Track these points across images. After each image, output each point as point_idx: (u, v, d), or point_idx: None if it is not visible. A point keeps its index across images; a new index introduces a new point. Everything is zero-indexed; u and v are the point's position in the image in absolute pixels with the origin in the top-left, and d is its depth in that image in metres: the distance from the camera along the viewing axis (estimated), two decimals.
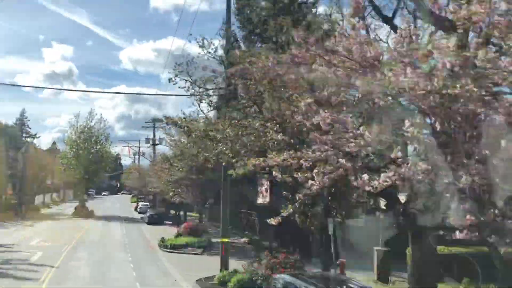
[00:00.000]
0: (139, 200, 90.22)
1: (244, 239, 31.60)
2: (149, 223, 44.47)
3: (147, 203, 64.67)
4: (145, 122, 54.62)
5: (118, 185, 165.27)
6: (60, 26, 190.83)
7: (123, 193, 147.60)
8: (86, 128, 57.92)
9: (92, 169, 58.63)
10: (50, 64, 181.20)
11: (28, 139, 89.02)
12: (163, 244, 27.18)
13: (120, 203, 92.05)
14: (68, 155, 57.90)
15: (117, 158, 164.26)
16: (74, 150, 57.97)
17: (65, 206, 77.18)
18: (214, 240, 30.10)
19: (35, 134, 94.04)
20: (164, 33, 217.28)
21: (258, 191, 23.63)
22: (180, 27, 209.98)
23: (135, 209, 67.14)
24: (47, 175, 64.64)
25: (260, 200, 21.02)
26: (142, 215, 53.04)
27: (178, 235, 29.16)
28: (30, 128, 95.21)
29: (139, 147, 72.00)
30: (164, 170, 30.30)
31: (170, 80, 16.19)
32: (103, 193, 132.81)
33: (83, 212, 54.97)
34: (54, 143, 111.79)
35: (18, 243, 28.08)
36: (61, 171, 60.28)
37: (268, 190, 20.01)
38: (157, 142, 55.26)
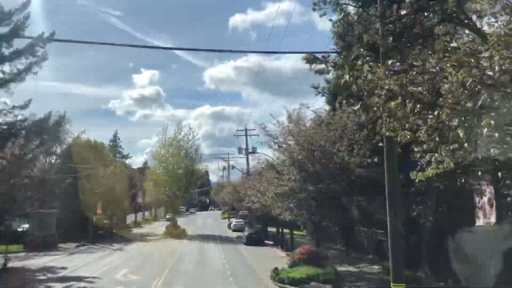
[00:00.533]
0: (231, 216, 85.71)
1: (376, 267, 24.10)
2: (248, 243, 38.40)
3: (241, 220, 59.14)
4: (237, 130, 49.24)
5: (208, 201, 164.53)
6: (147, 52, 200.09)
7: (211, 209, 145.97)
8: (174, 141, 53.99)
9: (182, 185, 54.31)
10: (139, 89, 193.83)
11: (121, 160, 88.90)
12: (278, 277, 20.53)
13: (211, 220, 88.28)
14: (157, 171, 54.33)
15: (205, 173, 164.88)
16: (163, 165, 54.26)
17: (156, 224, 74.68)
18: (340, 269, 22.98)
19: (128, 154, 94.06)
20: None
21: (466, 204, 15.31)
22: (259, 43, 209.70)
23: (228, 226, 61.99)
24: (137, 193, 61.78)
25: (480, 221, 13.15)
26: (239, 234, 47.34)
27: (293, 264, 22.39)
28: (122, 149, 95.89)
29: (228, 159, 67.24)
30: (272, 180, 23.85)
31: (314, 6, 9.67)
32: (190, 210, 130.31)
33: (174, 232, 50.61)
34: (146, 162, 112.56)
35: (101, 275, 23.12)
36: (151, 188, 56.87)
37: (494, 204, 12.14)
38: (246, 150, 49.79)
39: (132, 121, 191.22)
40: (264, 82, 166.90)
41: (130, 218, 76.93)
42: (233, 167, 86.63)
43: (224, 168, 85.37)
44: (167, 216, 73.61)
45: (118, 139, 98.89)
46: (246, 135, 47.71)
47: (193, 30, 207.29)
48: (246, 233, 39.52)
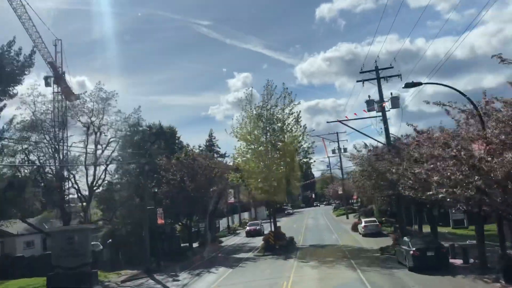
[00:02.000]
0: (348, 211, 66.48)
1: None
2: (419, 267, 19.47)
3: (374, 219, 39.92)
4: (361, 71, 29.30)
5: (313, 195, 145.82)
6: (238, 56, 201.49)
7: (316, 205, 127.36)
8: (265, 110, 36.29)
9: (281, 173, 36.48)
10: (234, 92, 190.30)
11: (219, 159, 76.01)
12: None
13: (323, 219, 69.59)
14: (242, 156, 37.23)
15: (308, 165, 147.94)
16: (252, 147, 37.14)
17: None
18: None
19: (225, 153, 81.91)
20: (333, 40, 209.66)
21: None
22: (348, 31, 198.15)
23: (353, 228, 43.19)
24: (225, 191, 45.63)
25: None
26: (380, 242, 28.29)
27: None
28: (219, 148, 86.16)
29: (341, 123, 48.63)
30: None
31: None
32: (287, 210, 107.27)
33: (276, 243, 33.19)
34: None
35: None
36: (237, 181, 39.84)
37: None
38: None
39: (229, 124, 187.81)
40: (357, 69, 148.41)
41: (224, 223, 61.87)
42: (344, 149, 67.72)
43: (333, 152, 66.62)
44: (248, 224, 54.96)
45: (214, 138, 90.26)
46: (378, 78, 28.22)
47: (281, 27, 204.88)
48: (410, 248, 20.42)
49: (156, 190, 32.72)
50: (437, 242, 21.57)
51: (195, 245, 39.45)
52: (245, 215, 79.04)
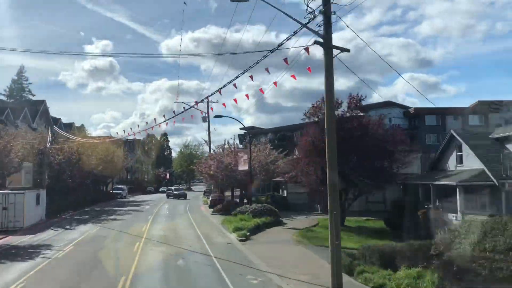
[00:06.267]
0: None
1: None
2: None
3: None
4: None
5: (167, 175, 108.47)
6: (99, 24, 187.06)
7: (160, 191, 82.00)
8: None
9: None
10: (92, 60, 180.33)
11: None
12: None
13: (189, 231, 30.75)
14: None
15: (165, 144, 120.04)
16: None
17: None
18: None
19: None
20: (203, 22, 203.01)
21: None
22: (219, 14, 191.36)
23: None
24: None
25: None
26: None
27: None
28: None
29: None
30: None
31: None
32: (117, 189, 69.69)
33: None
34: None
35: None
36: None
37: None
38: None
39: (84, 94, 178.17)
40: (224, 54, 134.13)
41: None
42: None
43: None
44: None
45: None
46: None
47: (148, 1, 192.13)
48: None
49: None
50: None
51: None
52: None
